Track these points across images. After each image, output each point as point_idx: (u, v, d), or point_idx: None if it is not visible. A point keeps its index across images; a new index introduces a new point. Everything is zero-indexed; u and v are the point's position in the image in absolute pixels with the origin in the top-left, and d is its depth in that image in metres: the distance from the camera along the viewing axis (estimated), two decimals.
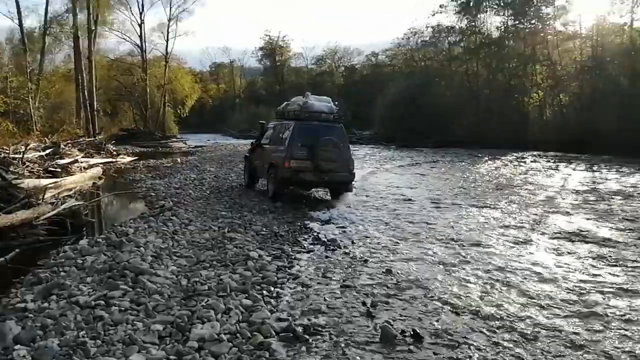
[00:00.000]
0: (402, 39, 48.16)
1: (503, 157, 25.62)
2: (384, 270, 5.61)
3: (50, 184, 14.49)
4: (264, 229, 7.58)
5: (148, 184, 14.64)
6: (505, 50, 38.94)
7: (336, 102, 11.60)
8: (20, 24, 28.25)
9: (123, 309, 4.26)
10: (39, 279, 5.47)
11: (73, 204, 10.21)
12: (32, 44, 30.32)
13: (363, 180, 14.52)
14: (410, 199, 11.41)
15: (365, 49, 74.57)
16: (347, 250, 6.48)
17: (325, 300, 4.67)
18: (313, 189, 12.02)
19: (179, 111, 52.28)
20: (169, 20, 46.54)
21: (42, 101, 30.50)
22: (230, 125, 67.90)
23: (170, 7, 46.23)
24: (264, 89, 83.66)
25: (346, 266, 5.77)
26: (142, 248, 6.25)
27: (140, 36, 45.42)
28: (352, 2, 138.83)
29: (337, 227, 8.00)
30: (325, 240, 7.03)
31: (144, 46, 45.62)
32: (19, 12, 27.82)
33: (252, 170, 12.59)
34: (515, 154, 27.34)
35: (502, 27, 39.14)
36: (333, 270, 5.61)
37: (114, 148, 26.76)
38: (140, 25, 45.19)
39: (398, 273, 5.56)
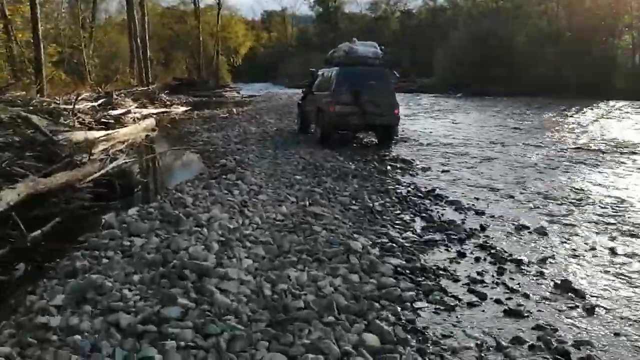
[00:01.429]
0: None
1: (592, 109, 22.50)
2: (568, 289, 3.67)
3: (102, 136, 13.44)
4: (354, 202, 5.89)
5: (204, 137, 13.30)
6: None
7: (382, 47, 11.54)
8: None
9: (182, 345, 2.75)
10: (75, 269, 4.11)
11: (123, 161, 8.94)
12: None
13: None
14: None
15: None
16: (483, 242, 4.67)
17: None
18: (360, 133, 12.10)
19: (232, 60, 50.99)
20: None
21: (96, 50, 29.74)
22: (282, 74, 66.70)
23: None
24: (317, 37, 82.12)
25: (495, 275, 3.99)
26: (204, 229, 4.75)
27: None
28: None
29: (446, 202, 6.15)
30: (440, 221, 5.26)
31: None
32: None
33: (304, 115, 12.88)
34: (604, 105, 24.03)
35: None
36: (482, 279, 3.85)
37: (168, 98, 25.71)
38: None
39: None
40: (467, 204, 5.97)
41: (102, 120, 15.56)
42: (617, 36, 33.03)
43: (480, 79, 35.22)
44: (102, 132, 13.61)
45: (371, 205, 5.69)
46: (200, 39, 43.68)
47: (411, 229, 4.95)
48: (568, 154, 9.95)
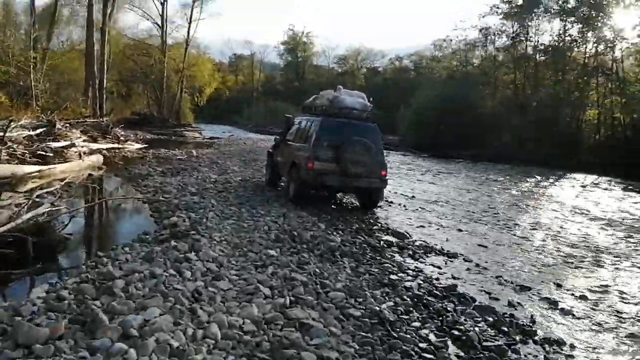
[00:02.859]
0: (444, 40, 44.43)
1: (564, 181, 22.12)
2: None
3: (34, 172, 11.42)
4: (354, 303, 4.24)
5: (157, 182, 11.45)
6: (567, 58, 35.06)
7: (371, 99, 10.23)
8: None
9: None
10: None
11: (44, 209, 7.02)
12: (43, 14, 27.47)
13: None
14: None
15: (389, 53, 73.15)
16: None
17: None
18: (339, 194, 10.71)
19: (195, 99, 49.34)
20: (194, 1, 43.41)
21: (48, 74, 27.48)
22: (246, 118, 65.73)
23: None
24: (283, 85, 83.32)
25: None
26: (131, 350, 2.98)
27: (162, 15, 42.43)
28: (378, 7, 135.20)
29: (476, 309, 4.57)
30: (483, 347, 3.65)
31: (164, 26, 42.60)
32: None
33: (275, 167, 11.39)
34: (572, 177, 23.78)
35: (560, 35, 35.33)
36: None
37: (122, 133, 23.56)
38: (162, 4, 42.17)
39: None
40: (504, 312, 4.44)
41: (40, 152, 13.45)
42: (583, 110, 33.70)
43: (443, 142, 35.02)
44: (35, 168, 11.55)
45: (379, 309, 4.05)
46: (165, 73, 41.98)
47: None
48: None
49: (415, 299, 4.48)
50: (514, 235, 8.55)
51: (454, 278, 5.45)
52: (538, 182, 20.75)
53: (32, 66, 23.02)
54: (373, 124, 9.52)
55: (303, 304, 4.04)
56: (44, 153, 13.50)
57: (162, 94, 42.35)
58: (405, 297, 4.51)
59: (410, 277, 5.21)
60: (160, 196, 9.86)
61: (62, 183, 10.50)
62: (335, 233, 6.97)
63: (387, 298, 4.42)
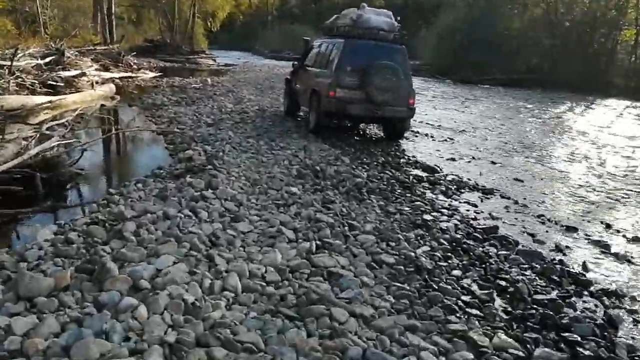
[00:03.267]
0: None
1: (598, 107, 20.96)
2: None
3: (44, 102, 11.02)
4: (386, 247, 3.85)
5: (171, 112, 11.00)
6: None
7: (398, 18, 9.31)
8: None
9: None
10: None
11: (52, 144, 6.65)
12: None
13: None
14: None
15: None
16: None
17: None
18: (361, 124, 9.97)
19: (209, 24, 47.61)
20: None
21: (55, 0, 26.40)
22: (261, 44, 63.58)
23: None
24: (299, 7, 79.99)
25: None
26: (141, 306, 2.65)
27: None
28: None
29: (521, 253, 4.11)
30: (535, 301, 3.22)
31: None
32: None
33: (294, 95, 10.65)
34: (605, 103, 22.53)
35: None
36: None
37: (135, 61, 22.84)
38: None
39: None
40: (552, 258, 4.01)
41: (50, 82, 12.97)
42: (618, 31, 31.45)
43: (468, 66, 33.35)
44: (45, 98, 11.12)
45: (414, 255, 3.65)
46: None
47: (498, 322, 2.92)
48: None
49: (454, 243, 4.05)
50: (551, 168, 7.96)
51: (492, 218, 4.99)
52: (570, 108, 19.72)
53: None
54: (401, 46, 8.69)
55: (330, 249, 3.66)
56: (54, 83, 13.03)
57: (174, 19, 40.78)
58: (442, 240, 4.09)
59: (445, 217, 4.76)
60: (175, 127, 9.43)
61: (74, 114, 10.14)
62: (360, 168, 6.49)
63: (422, 242, 4.00)
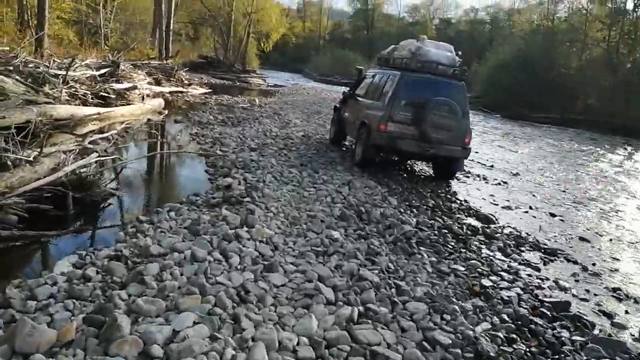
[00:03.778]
0: None
1: None
2: None
3: (93, 114, 11.10)
4: (438, 320, 3.30)
5: (216, 132, 10.83)
6: None
7: (459, 52, 8.79)
8: None
9: None
10: None
11: (89, 160, 6.47)
12: None
13: None
14: None
15: (464, 4, 69.49)
16: None
17: None
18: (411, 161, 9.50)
19: (262, 44, 48.42)
20: None
21: (118, 13, 27.39)
22: (312, 67, 64.38)
23: None
24: (351, 33, 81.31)
25: None
26: None
27: None
28: None
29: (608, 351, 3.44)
30: None
31: None
32: None
33: (341, 124, 10.29)
34: None
35: None
36: None
37: (187, 76, 23.20)
38: None
39: None
40: (638, 350, 3.36)
41: (102, 94, 13.14)
42: None
43: (520, 103, 32.32)
44: (94, 110, 11.20)
45: (473, 335, 3.09)
46: (232, 17, 41.14)
47: None
48: None
49: (519, 321, 3.45)
50: (619, 225, 7.17)
51: (560, 288, 4.34)
52: (631, 154, 18.48)
53: (101, 4, 22.81)
54: (461, 82, 8.17)
55: (375, 318, 3.15)
56: (106, 94, 13.20)
57: (228, 38, 41.69)
58: (504, 315, 3.50)
59: (505, 283, 4.16)
60: (218, 149, 9.21)
61: (119, 128, 10.12)
62: (409, 212, 5.97)
63: (481, 316, 3.43)
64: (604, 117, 29.40)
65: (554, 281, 4.49)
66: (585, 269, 4.99)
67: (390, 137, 7.71)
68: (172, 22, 25.12)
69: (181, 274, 3.47)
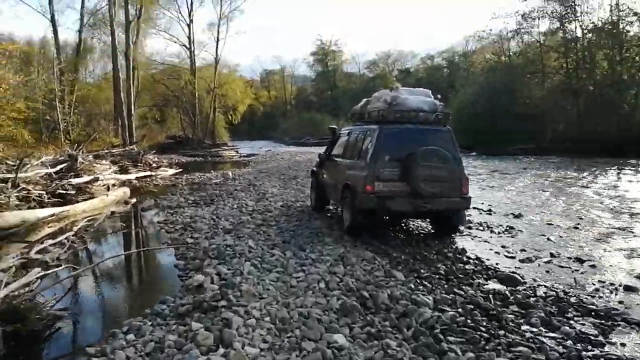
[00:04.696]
0: (483, 31, 41.63)
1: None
2: None
3: (48, 216, 10.02)
4: None
5: (187, 216, 9.84)
6: (624, 36, 31.77)
7: (438, 96, 8.10)
8: (52, 19, 24.57)
9: None
10: None
11: (31, 278, 5.35)
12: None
13: None
14: None
15: (420, 53, 72.49)
16: None
17: None
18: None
19: (230, 117, 48.48)
20: (219, 19, 42.57)
21: (77, 106, 26.77)
22: (281, 132, 64.91)
23: (221, 6, 42.23)
24: (315, 95, 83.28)
25: None
26: None
27: (189, 37, 41.72)
28: (403, 9, 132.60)
29: None
30: None
31: (192, 47, 41.87)
32: (50, 4, 24.09)
33: (321, 189, 9.51)
34: None
35: (613, 9, 32.05)
36: None
37: (155, 159, 22.37)
38: (188, 26, 41.55)
39: None
40: None
41: (60, 191, 12.10)
42: None
43: (493, 137, 32.38)
44: (49, 211, 10.12)
45: None
46: (196, 95, 41.14)
47: None
48: None
49: None
50: None
51: None
52: (619, 174, 18.01)
53: (57, 100, 22.15)
54: (445, 128, 7.43)
55: None
56: (64, 192, 12.16)
57: (194, 115, 41.50)
58: None
59: None
60: (189, 235, 8.18)
61: (76, 229, 9.00)
62: (421, 287, 4.94)
63: None
64: (575, 140, 29.50)
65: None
66: None
67: (378, 198, 6.80)
68: (133, 107, 24.55)
69: None
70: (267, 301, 4.51)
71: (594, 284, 5.24)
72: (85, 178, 13.48)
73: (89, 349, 3.91)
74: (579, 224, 8.60)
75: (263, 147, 44.82)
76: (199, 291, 5.05)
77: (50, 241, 7.85)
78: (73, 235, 8.41)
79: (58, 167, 13.31)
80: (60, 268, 6.18)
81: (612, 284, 5.23)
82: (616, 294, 4.93)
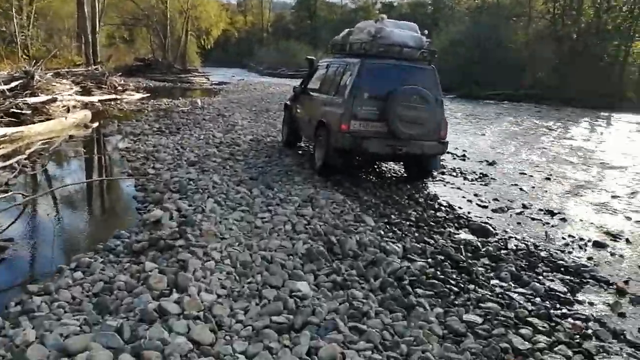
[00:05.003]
0: None
1: (620, 124, 19.38)
2: None
3: None
4: None
5: (150, 145, 9.35)
6: None
7: (426, 31, 7.47)
8: None
9: None
10: None
11: None
12: None
13: None
14: None
15: None
16: None
17: None
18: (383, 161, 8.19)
19: (202, 42, 46.23)
20: None
21: (37, 19, 24.81)
22: (256, 61, 62.59)
23: None
24: (294, 24, 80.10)
25: None
26: None
27: None
28: None
29: None
30: None
31: None
32: None
33: (294, 125, 9.03)
34: (622, 119, 20.98)
35: None
36: None
37: (121, 81, 21.19)
38: None
39: None
40: None
41: (14, 110, 11.28)
42: (631, 42, 29.96)
43: (472, 81, 32.03)
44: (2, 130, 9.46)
45: None
46: (168, 15, 38.79)
47: None
48: None
49: None
50: (627, 210, 6.26)
51: (618, 336, 3.22)
52: (592, 125, 18.13)
53: (14, 10, 20.37)
54: (430, 66, 6.96)
55: None
56: (18, 111, 11.35)
57: (166, 37, 39.34)
58: None
59: (544, 340, 3.01)
60: (152, 165, 7.75)
61: (28, 152, 8.43)
62: (390, 234, 4.75)
63: None
64: (554, 89, 29.43)
65: (605, 328, 3.32)
66: (622, 292, 3.92)
67: (354, 137, 6.42)
68: (98, 24, 22.88)
69: None
70: (229, 242, 4.24)
71: (564, 239, 5.16)
72: (43, 97, 12.58)
73: (30, 287, 3.60)
74: (551, 174, 8.55)
75: (236, 75, 43.17)
76: (156, 227, 4.74)
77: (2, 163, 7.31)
78: (25, 159, 7.87)
79: (12, 84, 12.35)
80: (7, 194, 5.74)
81: (581, 239, 5.17)
82: (585, 250, 4.87)
